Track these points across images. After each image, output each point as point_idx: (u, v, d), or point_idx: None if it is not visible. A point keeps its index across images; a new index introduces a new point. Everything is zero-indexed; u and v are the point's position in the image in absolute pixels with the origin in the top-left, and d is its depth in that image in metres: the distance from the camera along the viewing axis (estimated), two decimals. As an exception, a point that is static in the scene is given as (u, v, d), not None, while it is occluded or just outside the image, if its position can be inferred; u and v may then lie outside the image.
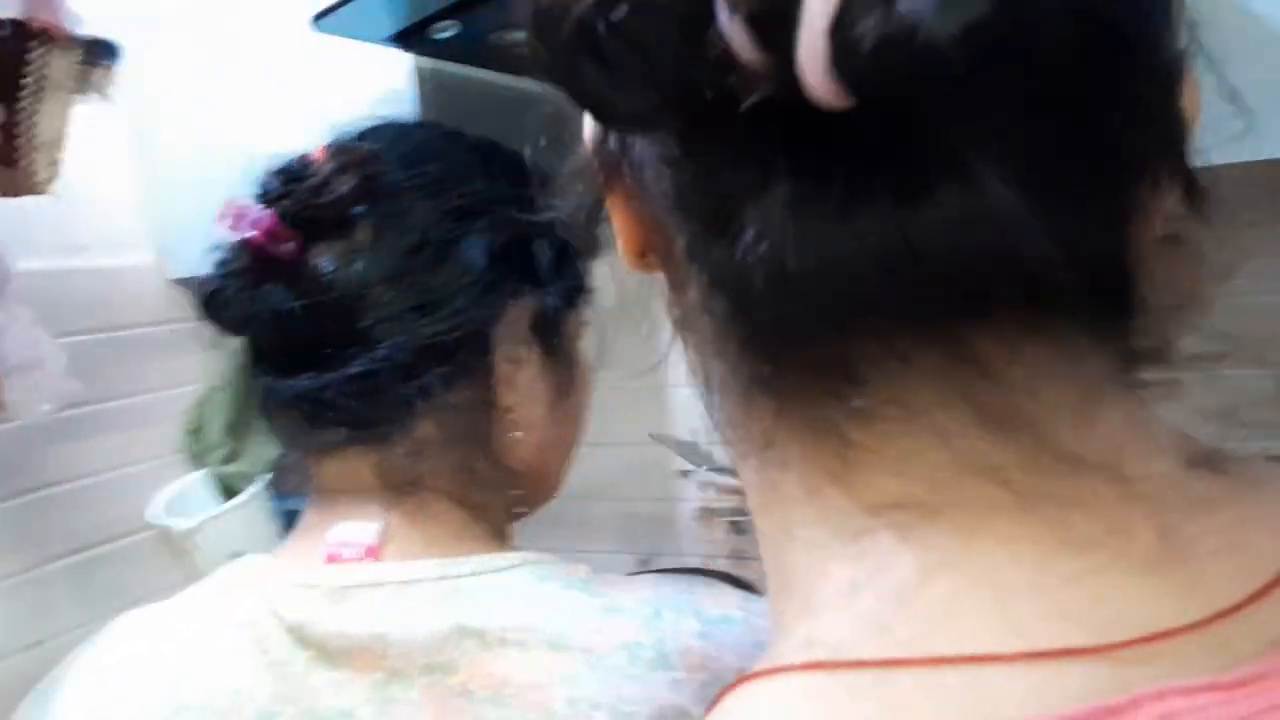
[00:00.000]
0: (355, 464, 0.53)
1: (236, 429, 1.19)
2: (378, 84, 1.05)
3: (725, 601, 0.50)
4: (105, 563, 1.14)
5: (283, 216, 0.51)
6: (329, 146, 0.55)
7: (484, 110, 1.22)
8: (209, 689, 0.49)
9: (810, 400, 0.25)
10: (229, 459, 1.18)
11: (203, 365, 1.21)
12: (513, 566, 0.51)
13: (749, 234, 0.22)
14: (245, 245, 0.52)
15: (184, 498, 1.18)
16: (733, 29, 0.19)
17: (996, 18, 0.18)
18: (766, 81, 0.20)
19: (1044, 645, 0.21)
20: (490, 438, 0.55)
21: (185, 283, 1.20)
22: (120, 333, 1.19)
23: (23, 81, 0.63)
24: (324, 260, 0.52)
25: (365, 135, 0.57)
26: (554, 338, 0.58)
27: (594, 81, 0.23)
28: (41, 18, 0.63)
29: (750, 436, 0.27)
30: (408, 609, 0.48)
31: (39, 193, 0.65)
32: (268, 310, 0.52)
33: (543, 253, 0.57)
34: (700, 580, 0.53)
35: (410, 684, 0.47)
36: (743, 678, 0.26)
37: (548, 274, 0.57)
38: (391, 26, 0.92)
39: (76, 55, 0.65)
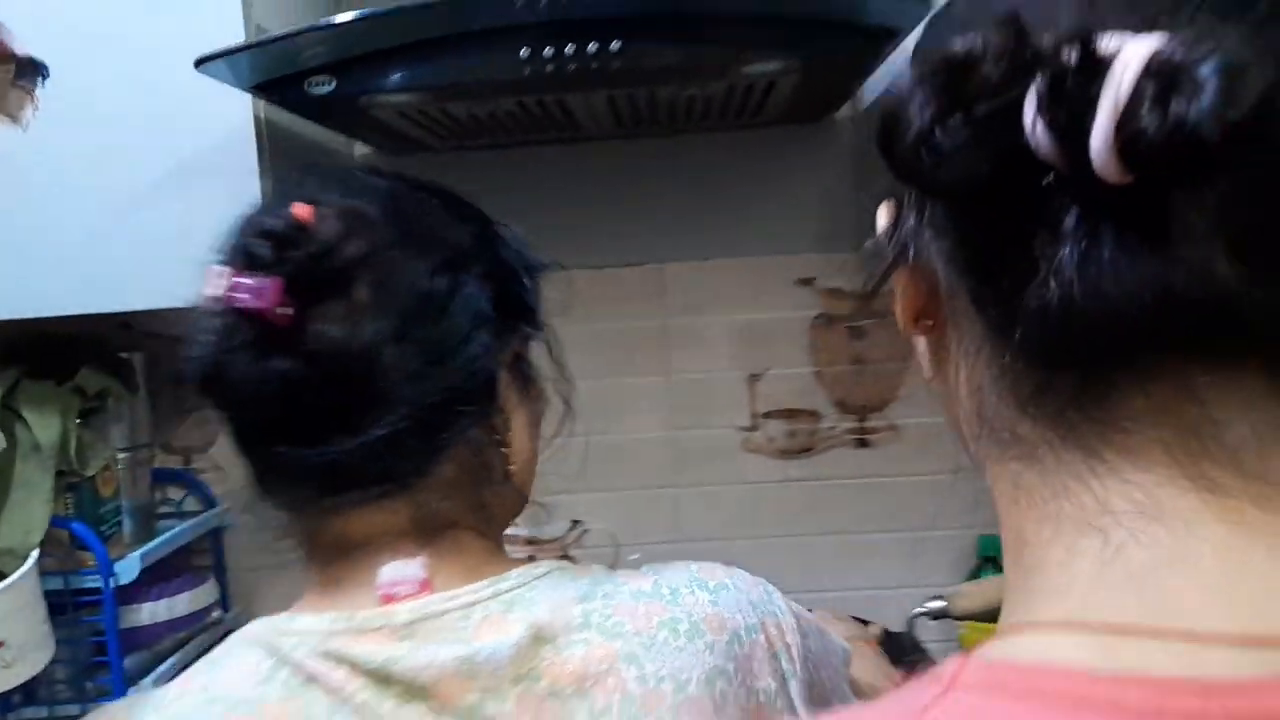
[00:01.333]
0: (385, 514, 0.54)
1: (-5, 499, 1.03)
2: (213, 125, 1.01)
3: (716, 572, 0.59)
4: None
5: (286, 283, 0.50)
6: (319, 207, 0.53)
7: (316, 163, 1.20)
8: None
9: (1069, 416, 0.34)
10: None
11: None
12: (548, 572, 0.56)
13: (1039, 281, 0.32)
14: (243, 314, 0.50)
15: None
16: (1038, 132, 0.30)
17: (1252, 123, 0.27)
18: (1061, 164, 0.30)
19: (1249, 630, 0.30)
20: (498, 470, 0.58)
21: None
22: None
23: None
24: (329, 326, 0.51)
25: (337, 191, 0.56)
26: (528, 367, 0.61)
27: (930, 169, 0.32)
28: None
29: (1011, 443, 0.36)
30: (480, 629, 0.51)
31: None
32: (278, 380, 0.51)
33: (530, 290, 0.60)
34: (681, 563, 0.60)
35: (504, 697, 0.50)
36: (1005, 629, 0.35)
37: (537, 309, 0.61)
38: (263, 77, 0.91)
39: (8, 71, 0.59)
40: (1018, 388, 0.35)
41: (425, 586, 0.53)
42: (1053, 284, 0.32)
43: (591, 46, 0.87)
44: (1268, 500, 0.33)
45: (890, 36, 0.87)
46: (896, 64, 1.01)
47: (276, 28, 1.08)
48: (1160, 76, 0.28)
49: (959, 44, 0.31)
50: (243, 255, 0.51)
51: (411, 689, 0.50)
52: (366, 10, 0.85)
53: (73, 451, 1.11)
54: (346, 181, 0.57)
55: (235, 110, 1.00)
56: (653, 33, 0.88)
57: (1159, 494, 0.33)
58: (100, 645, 1.11)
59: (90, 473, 1.13)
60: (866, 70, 1.05)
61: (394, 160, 1.36)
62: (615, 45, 0.87)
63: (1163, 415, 0.33)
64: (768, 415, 1.39)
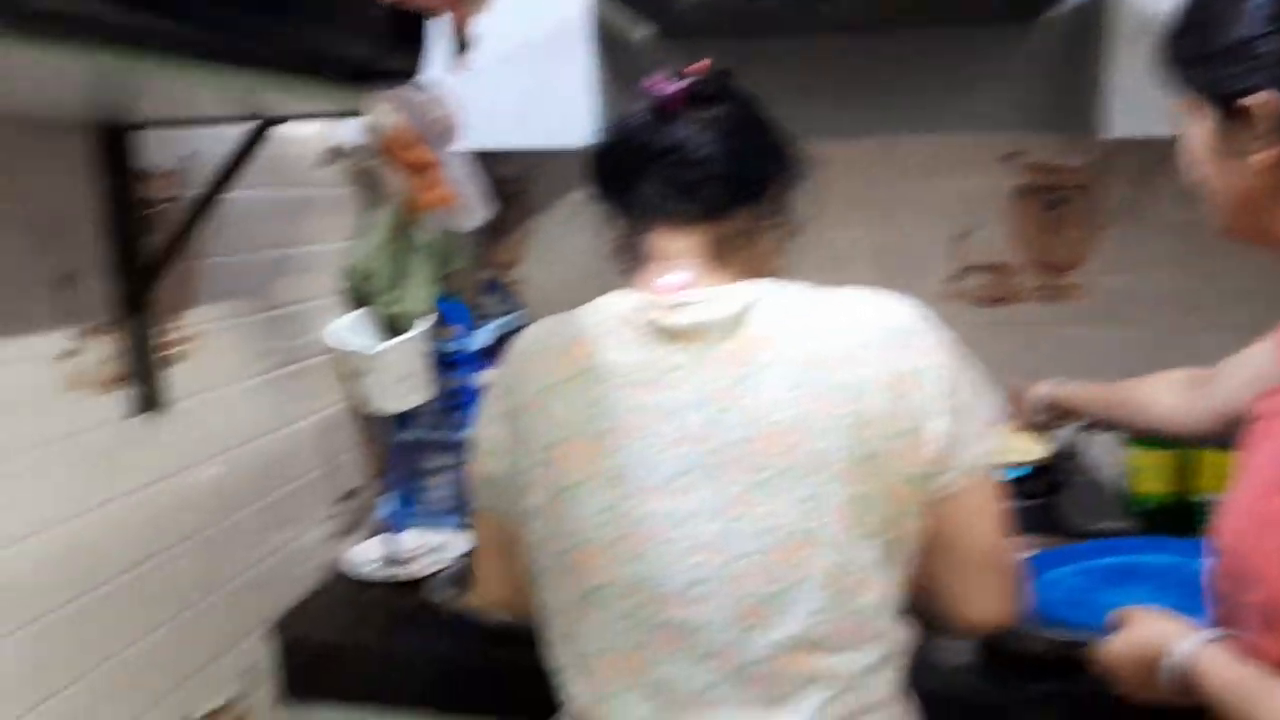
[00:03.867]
0: (689, 237, 0.90)
1: (400, 277, 1.52)
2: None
3: (904, 301, 0.88)
4: (305, 374, 1.47)
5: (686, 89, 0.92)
6: (711, 68, 0.94)
7: (638, 57, 1.61)
8: (601, 359, 0.87)
9: None
10: (394, 301, 1.51)
11: (368, 224, 1.53)
12: (773, 284, 0.87)
13: None
14: (657, 101, 0.91)
15: (349, 329, 1.51)
16: None
17: None
18: None
19: None
20: (765, 241, 0.95)
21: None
22: (295, 190, 1.50)
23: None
24: (695, 119, 0.91)
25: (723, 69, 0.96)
26: (786, 200, 0.97)
27: None
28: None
29: None
30: (712, 310, 0.84)
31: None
32: (657, 139, 0.90)
33: (792, 164, 0.97)
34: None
35: (718, 346, 0.83)
36: None
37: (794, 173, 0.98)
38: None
39: None
40: None
41: (688, 285, 0.89)
42: None
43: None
44: None
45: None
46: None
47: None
48: None
49: None
50: (671, 74, 0.93)
51: (671, 335, 0.85)
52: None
53: (443, 252, 1.59)
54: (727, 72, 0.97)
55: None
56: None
57: None
58: (451, 394, 1.62)
59: (451, 269, 1.62)
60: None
61: (675, 43, 1.75)
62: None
63: None
64: (969, 269, 1.73)
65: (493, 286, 1.87)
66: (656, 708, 0.85)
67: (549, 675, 0.94)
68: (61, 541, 1.08)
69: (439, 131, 1.01)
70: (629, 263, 0.95)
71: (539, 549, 0.89)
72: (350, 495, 1.66)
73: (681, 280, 0.89)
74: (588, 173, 0.96)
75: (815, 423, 0.81)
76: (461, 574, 1.37)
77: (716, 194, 0.90)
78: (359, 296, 1.54)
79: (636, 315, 0.87)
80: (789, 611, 0.81)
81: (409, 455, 1.68)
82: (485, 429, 0.94)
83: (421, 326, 1.51)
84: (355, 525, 1.66)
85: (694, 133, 0.90)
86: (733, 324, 0.84)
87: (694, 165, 0.89)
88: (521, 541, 0.92)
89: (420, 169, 1.01)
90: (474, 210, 1.12)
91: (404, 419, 1.63)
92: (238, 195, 1.26)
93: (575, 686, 0.90)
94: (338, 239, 1.57)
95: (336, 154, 1.56)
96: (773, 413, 0.81)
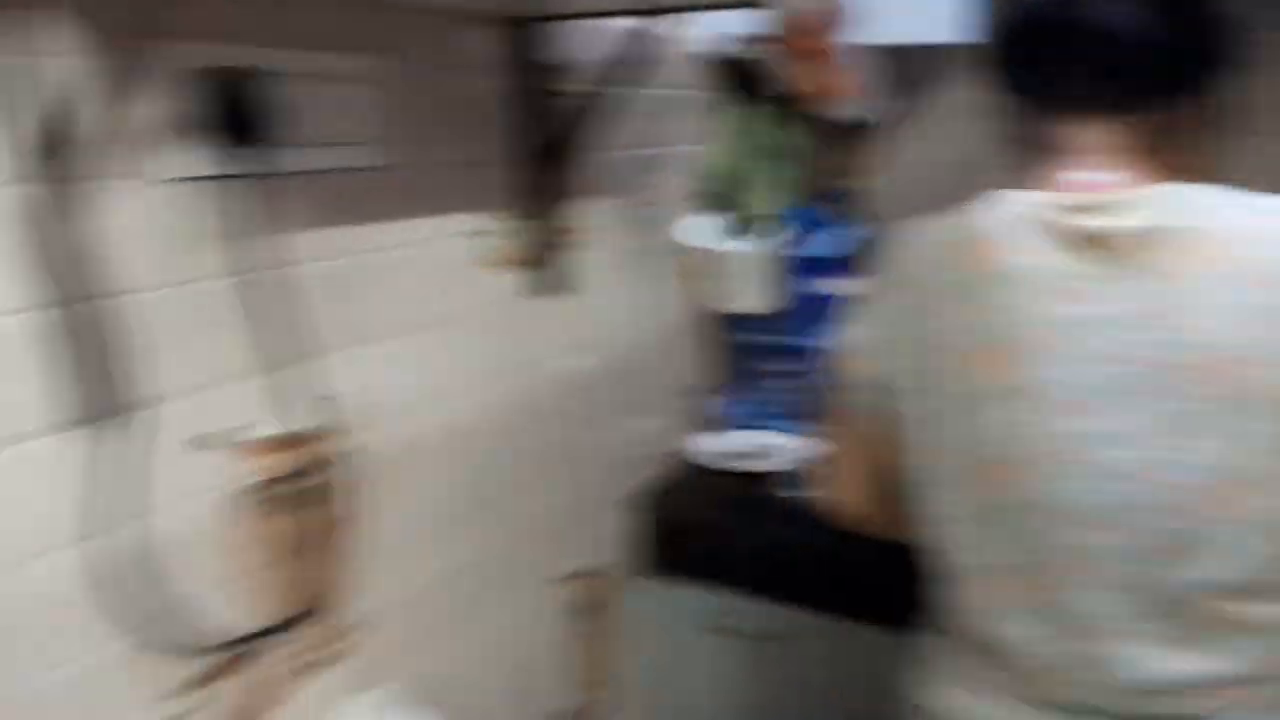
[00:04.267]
0: (1105, 133, 0.81)
1: (755, 181, 1.55)
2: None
3: None
4: (663, 271, 1.55)
5: None
6: None
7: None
8: (1011, 263, 0.80)
9: None
10: (748, 204, 1.54)
11: (727, 127, 1.56)
12: (1198, 190, 0.78)
13: None
14: None
15: (705, 229, 1.56)
16: None
17: None
18: None
19: None
20: (1191, 138, 0.83)
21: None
22: (671, 90, 1.55)
23: None
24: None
25: None
26: (1221, 101, 0.86)
27: None
28: None
29: None
30: (1137, 215, 0.77)
31: None
32: (1084, 10, 0.80)
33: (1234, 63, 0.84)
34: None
35: (1144, 257, 0.76)
36: None
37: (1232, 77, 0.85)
38: None
39: None
40: None
41: (1104, 188, 0.81)
42: None
43: None
44: None
45: None
46: None
47: None
48: None
49: None
50: None
51: (1088, 241, 0.78)
52: None
53: (797, 157, 1.60)
54: None
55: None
56: None
57: None
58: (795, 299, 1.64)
59: (803, 175, 1.63)
60: None
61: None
62: None
63: None
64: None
65: (842, 194, 1.85)
66: (1058, 631, 0.82)
67: (920, 582, 0.93)
68: (461, 404, 1.22)
69: (837, 20, 1.01)
70: (1030, 157, 0.87)
71: (928, 457, 0.87)
72: (695, 391, 1.74)
73: (1098, 179, 0.81)
74: (987, 54, 0.88)
75: (1262, 352, 0.73)
76: (805, 472, 1.41)
77: (1140, 80, 0.81)
78: (715, 198, 1.59)
79: (1047, 217, 0.80)
80: (1215, 553, 0.76)
81: (750, 357, 1.73)
82: (867, 329, 0.92)
83: (772, 230, 1.54)
84: (699, 419, 1.74)
85: (1117, 7, 0.80)
86: (1162, 233, 0.76)
87: (1115, 45, 0.80)
88: (892, 445, 0.90)
89: (818, 57, 1.01)
90: (864, 103, 1.11)
91: (747, 321, 1.68)
92: (624, 91, 1.32)
93: (963, 598, 0.89)
94: (702, 140, 1.62)
95: (724, 46, 1.59)
96: (1208, 336, 0.74)
